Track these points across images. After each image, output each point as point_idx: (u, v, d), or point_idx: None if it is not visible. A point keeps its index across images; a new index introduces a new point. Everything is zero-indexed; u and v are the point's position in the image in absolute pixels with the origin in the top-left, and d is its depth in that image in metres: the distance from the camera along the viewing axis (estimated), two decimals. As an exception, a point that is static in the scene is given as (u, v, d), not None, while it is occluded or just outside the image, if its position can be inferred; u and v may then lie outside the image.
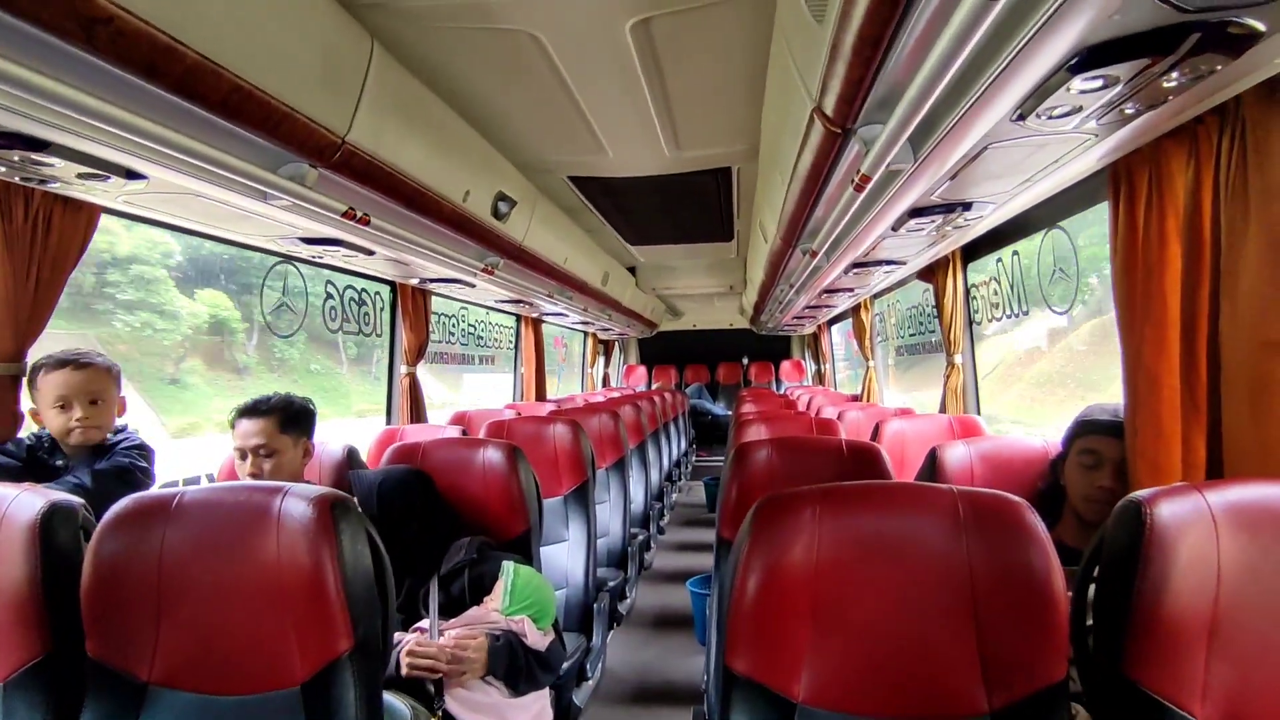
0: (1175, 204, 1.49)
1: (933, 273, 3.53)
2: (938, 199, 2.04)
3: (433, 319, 4.21)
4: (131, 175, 1.64)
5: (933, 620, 1.10)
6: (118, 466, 1.78)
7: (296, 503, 1.24)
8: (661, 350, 10.56)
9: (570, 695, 2.19)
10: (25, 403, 1.85)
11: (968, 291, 3.53)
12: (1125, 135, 1.45)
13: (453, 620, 1.75)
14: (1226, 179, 1.32)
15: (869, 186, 1.71)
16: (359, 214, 2.06)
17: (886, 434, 2.87)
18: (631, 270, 6.65)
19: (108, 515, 1.28)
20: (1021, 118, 1.31)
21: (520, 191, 3.08)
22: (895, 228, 2.33)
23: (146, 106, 1.32)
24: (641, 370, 10.63)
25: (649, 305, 7.60)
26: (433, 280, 3.71)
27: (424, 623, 1.75)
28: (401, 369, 4.00)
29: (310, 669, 1.21)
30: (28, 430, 1.87)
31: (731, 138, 3.00)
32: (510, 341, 6.32)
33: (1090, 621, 1.19)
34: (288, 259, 3.07)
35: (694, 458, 8.69)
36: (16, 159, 1.48)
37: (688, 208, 4.36)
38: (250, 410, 1.84)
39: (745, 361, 10.52)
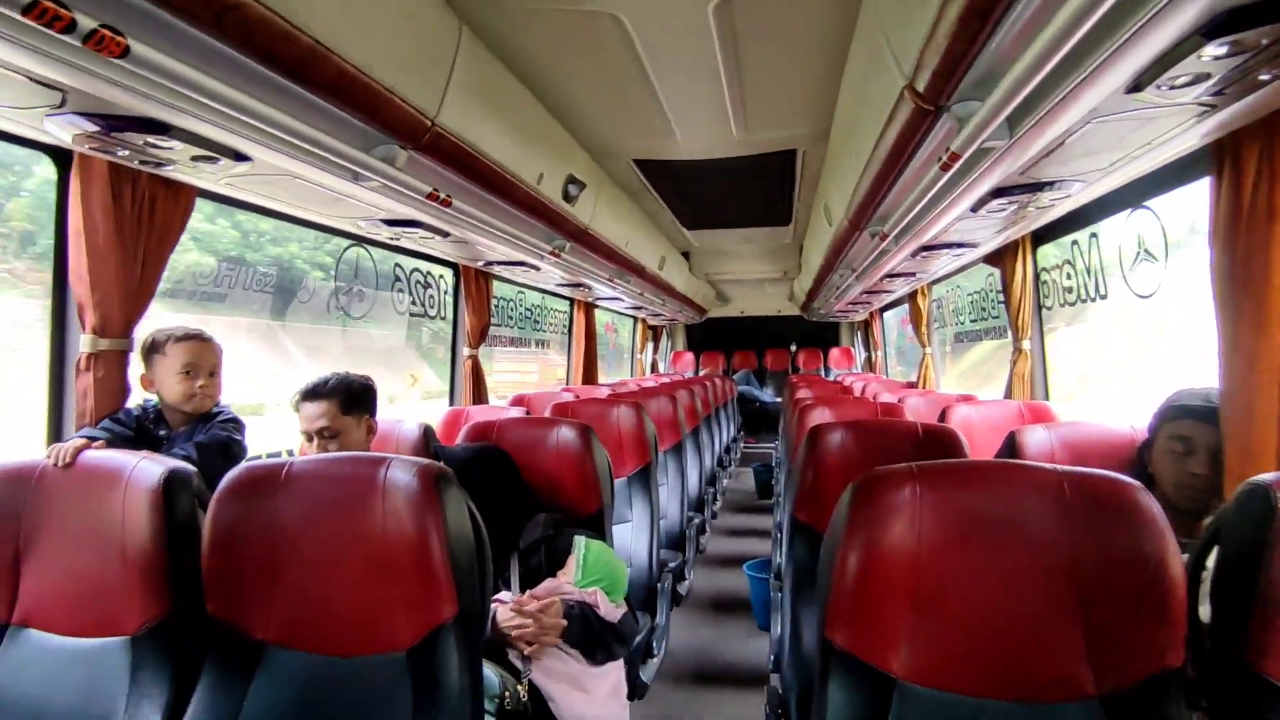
0: None
1: (1001, 257, 3.44)
2: (1025, 178, 1.99)
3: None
4: (239, 157, 1.70)
5: (1036, 601, 1.09)
6: (217, 440, 1.87)
7: (401, 473, 1.28)
8: (709, 336, 10.55)
9: (638, 672, 2.23)
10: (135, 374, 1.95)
11: (1037, 275, 3.43)
12: (1241, 108, 1.39)
13: (528, 593, 1.79)
14: None
15: (956, 165, 1.67)
16: (442, 195, 2.10)
17: (954, 420, 2.81)
18: (685, 255, 6.64)
19: (224, 483, 1.34)
20: (1137, 88, 1.26)
21: (587, 174, 3.10)
22: (975, 209, 2.27)
23: (263, 90, 1.37)
24: (689, 356, 10.62)
25: (700, 290, 7.59)
26: (497, 263, 3.76)
27: (503, 594, 1.80)
28: (464, 351, 4.08)
29: (416, 635, 1.26)
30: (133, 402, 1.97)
31: (802, 119, 2.96)
32: (564, 326, 6.39)
33: (1204, 607, 1.16)
34: (360, 241, 3.16)
35: (742, 444, 8.67)
36: (140, 143, 1.56)
37: (749, 191, 4.33)
38: (311, 393, 1.85)
39: (793, 348, 10.42)
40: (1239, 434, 1.48)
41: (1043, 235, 3.24)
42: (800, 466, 1.98)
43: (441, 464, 1.35)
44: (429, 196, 2.05)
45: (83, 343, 1.85)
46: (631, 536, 2.63)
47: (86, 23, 1.00)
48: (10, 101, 1.43)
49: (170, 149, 1.59)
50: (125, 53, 1.06)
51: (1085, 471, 1.14)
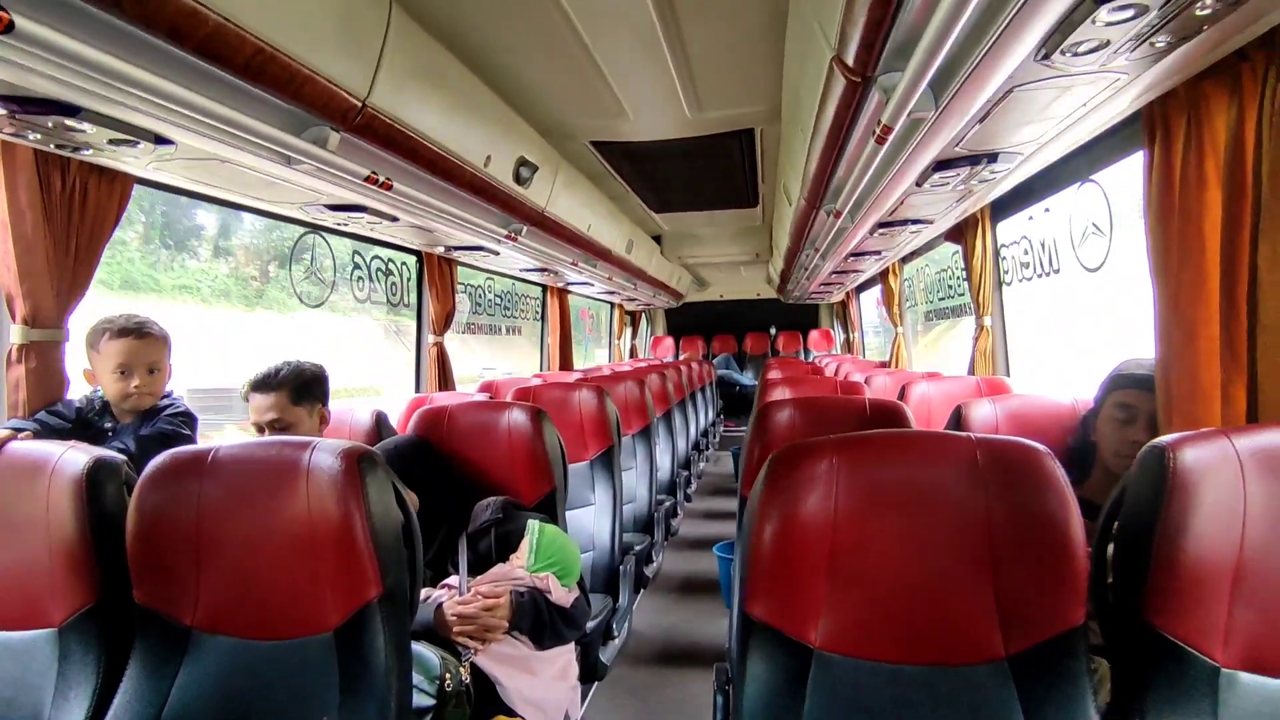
0: (1215, 146, 1.44)
1: (961, 233, 3.46)
2: (963, 150, 1.99)
3: (460, 290, 4.26)
4: (160, 141, 1.67)
5: (950, 567, 1.10)
6: (161, 433, 1.83)
7: (325, 456, 1.28)
8: (688, 321, 10.57)
9: (597, 653, 2.24)
10: (76, 364, 1.91)
11: (997, 251, 3.45)
12: (1160, 73, 1.40)
13: (479, 577, 1.79)
14: (1271, 118, 1.27)
15: (891, 138, 1.67)
16: (381, 179, 2.07)
17: (913, 396, 2.85)
18: (657, 239, 6.62)
19: (148, 469, 1.33)
20: (1046, 56, 1.27)
21: (542, 157, 3.08)
22: (920, 182, 2.28)
23: (172, 70, 1.34)
24: (669, 341, 10.64)
25: (675, 275, 7.57)
26: (458, 248, 3.73)
27: (453, 579, 1.80)
28: (429, 338, 4.06)
29: (341, 615, 1.25)
30: (75, 393, 1.93)
31: (753, 97, 2.95)
32: (536, 312, 6.37)
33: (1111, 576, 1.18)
34: (315, 229, 3.12)
35: (721, 428, 8.70)
36: (50, 125, 1.52)
37: (711, 172, 4.32)
38: (261, 385, 1.83)
39: (773, 331, 10.46)
40: (1184, 403, 1.50)
41: (1001, 210, 3.26)
42: (748, 444, 1.99)
43: (366, 446, 1.34)
44: (368, 180, 2.02)
45: (13, 333, 1.81)
46: (594, 519, 2.64)
47: None
48: None
49: (83, 131, 1.56)
50: (9, 28, 1.03)
51: (996, 438, 1.16)
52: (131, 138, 1.60)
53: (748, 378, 10.05)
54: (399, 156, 2.06)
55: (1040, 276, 3.26)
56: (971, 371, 3.52)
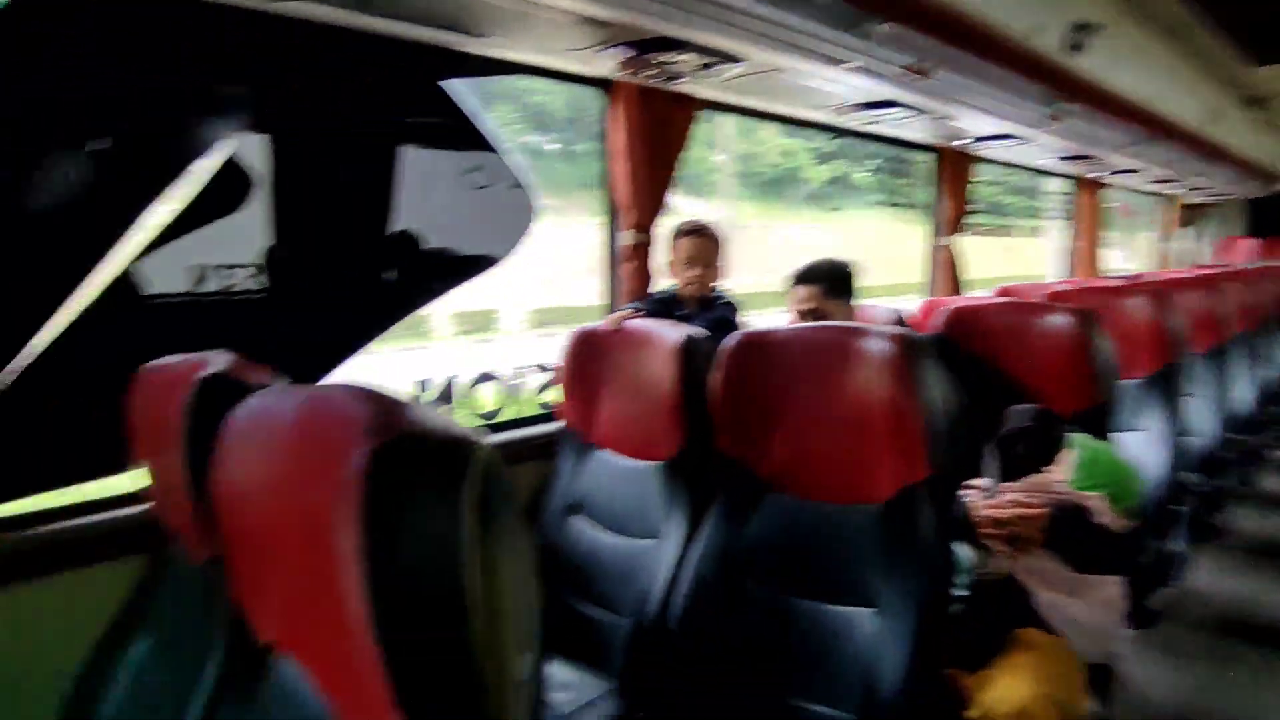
0: None
1: None
2: None
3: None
4: (733, 60, 1.91)
5: None
6: (719, 319, 2.18)
7: (877, 341, 1.35)
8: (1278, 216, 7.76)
9: (1147, 599, 1.96)
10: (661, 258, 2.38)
11: None
12: None
13: (1013, 484, 1.69)
14: None
15: None
16: (918, 66, 2.01)
17: None
18: (1257, 102, 4.96)
19: (727, 344, 1.58)
20: None
21: (1099, 13, 2.55)
22: None
23: None
24: (1245, 244, 8.01)
25: (1274, 151, 5.63)
26: (980, 139, 3.42)
27: (980, 480, 1.74)
28: (941, 240, 3.90)
29: (890, 489, 1.34)
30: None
31: None
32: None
33: None
34: (842, 133, 3.23)
35: None
36: (660, 60, 1.87)
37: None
38: (803, 277, 2.02)
39: None
40: None
41: None
42: None
43: (918, 334, 1.37)
44: (907, 69, 1.98)
45: (624, 237, 2.36)
46: (1141, 447, 2.27)
47: None
48: (575, 44, 1.83)
49: (683, 61, 1.86)
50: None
51: None
52: (716, 60, 1.87)
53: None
54: (941, 40, 1.95)
55: None
56: None
